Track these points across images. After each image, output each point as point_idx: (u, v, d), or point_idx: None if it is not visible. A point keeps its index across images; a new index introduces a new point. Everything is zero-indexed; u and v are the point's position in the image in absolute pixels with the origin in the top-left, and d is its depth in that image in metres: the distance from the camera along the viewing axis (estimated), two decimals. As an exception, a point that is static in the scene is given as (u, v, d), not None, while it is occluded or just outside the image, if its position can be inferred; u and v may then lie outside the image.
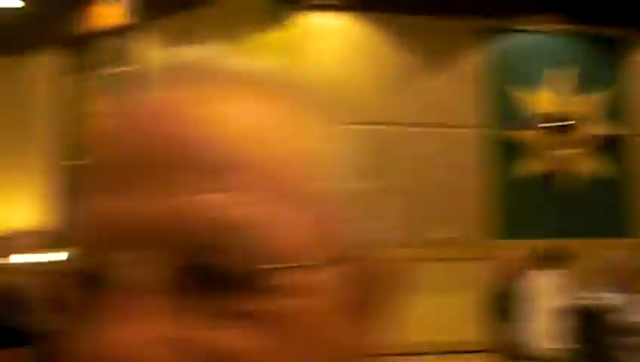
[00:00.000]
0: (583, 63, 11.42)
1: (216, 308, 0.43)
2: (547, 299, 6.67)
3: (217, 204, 0.44)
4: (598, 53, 11.61)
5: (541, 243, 7.85)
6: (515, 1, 10.68)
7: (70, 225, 0.49)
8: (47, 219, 10.58)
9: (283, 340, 0.44)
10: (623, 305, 4.94)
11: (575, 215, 10.75)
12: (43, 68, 11.22)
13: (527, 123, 11.21)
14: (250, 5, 9.17)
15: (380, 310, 0.51)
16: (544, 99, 11.35)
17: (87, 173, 0.51)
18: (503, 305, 6.96)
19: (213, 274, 0.43)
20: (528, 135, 11.19)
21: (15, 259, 4.10)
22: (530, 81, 11.29)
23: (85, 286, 0.46)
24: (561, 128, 11.23)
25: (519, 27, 11.19)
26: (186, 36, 9.74)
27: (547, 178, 11.17)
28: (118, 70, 10.63)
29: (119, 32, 10.52)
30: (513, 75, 11.18)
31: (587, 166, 11.27)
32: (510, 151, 11.03)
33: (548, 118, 11.33)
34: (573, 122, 11.28)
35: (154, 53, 10.02)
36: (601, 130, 11.35)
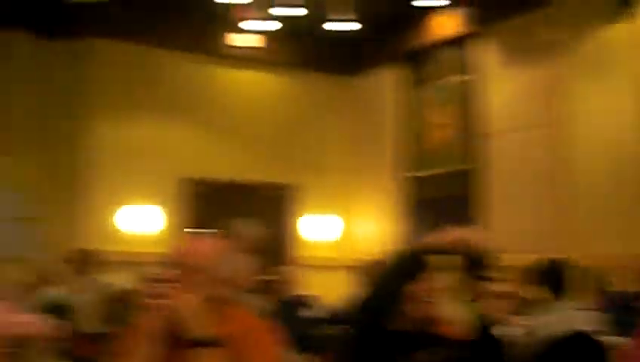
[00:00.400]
0: None
1: None
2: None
3: None
4: None
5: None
6: None
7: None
8: (394, 230, 11.03)
9: None
10: None
11: None
12: (385, 83, 11.67)
13: None
14: (594, 0, 8.43)
15: None
16: None
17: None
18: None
19: None
20: None
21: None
22: None
23: None
24: None
25: None
26: (524, 38, 9.33)
27: None
28: (457, 80, 10.62)
29: (457, 41, 10.48)
30: None
31: None
32: None
33: None
34: None
35: (491, 59, 9.75)
36: None
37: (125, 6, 10.24)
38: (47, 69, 10.64)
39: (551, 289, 4.62)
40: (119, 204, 10.45)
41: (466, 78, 10.38)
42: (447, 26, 10.54)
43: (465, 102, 10.39)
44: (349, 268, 8.08)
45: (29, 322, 2.10)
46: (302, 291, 7.28)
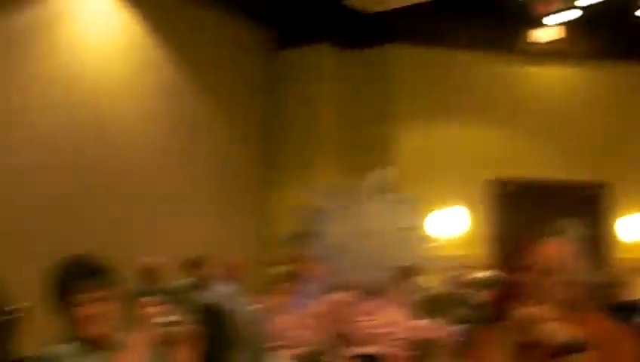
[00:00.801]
0: None
1: None
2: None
3: None
4: None
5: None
6: None
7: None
8: None
9: None
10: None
11: None
12: None
13: None
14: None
15: None
16: None
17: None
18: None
19: None
20: None
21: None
22: None
23: None
24: None
25: None
26: None
27: None
28: None
29: None
30: None
31: None
32: None
33: None
34: None
35: None
36: None
37: (425, 11, 10.44)
38: (352, 80, 11.24)
39: None
40: (426, 206, 10.63)
41: None
42: None
43: None
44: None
45: (430, 327, 2.19)
46: (631, 295, 6.76)
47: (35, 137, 8.37)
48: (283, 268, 8.28)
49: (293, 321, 1.93)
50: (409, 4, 10.11)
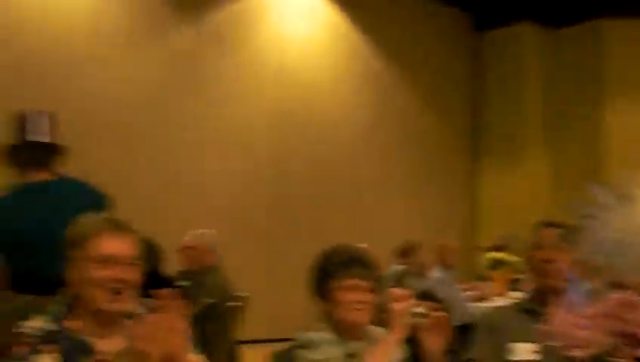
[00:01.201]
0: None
1: None
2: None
3: None
4: None
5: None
6: None
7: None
8: None
9: None
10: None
11: None
12: None
13: None
14: None
15: None
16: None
17: None
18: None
19: None
20: None
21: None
22: None
23: None
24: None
25: None
26: None
27: None
28: None
29: None
30: None
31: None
32: None
33: None
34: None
35: None
36: None
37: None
38: (558, 59, 10.72)
39: None
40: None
41: None
42: None
43: None
44: None
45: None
46: None
47: (244, 127, 8.88)
48: (497, 256, 8.10)
49: (571, 321, 1.85)
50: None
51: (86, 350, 1.82)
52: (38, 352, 1.77)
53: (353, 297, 2.24)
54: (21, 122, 3.29)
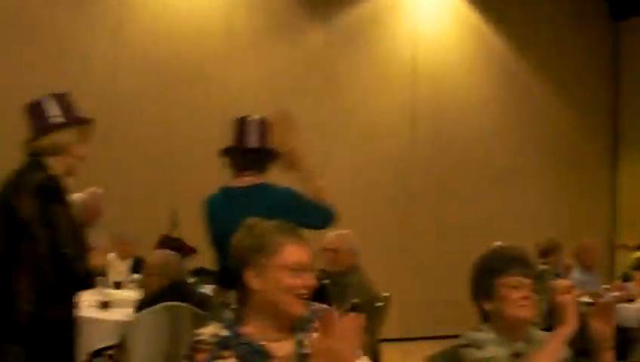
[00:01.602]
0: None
1: None
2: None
3: None
4: None
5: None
6: None
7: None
8: None
9: None
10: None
11: None
12: None
13: None
14: None
15: None
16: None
17: None
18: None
19: None
20: None
21: None
22: None
23: None
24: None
25: None
26: None
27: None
28: None
29: None
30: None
31: None
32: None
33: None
34: None
35: None
36: None
37: None
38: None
39: None
40: None
41: None
42: None
43: None
44: None
45: None
46: None
47: (377, 125, 8.92)
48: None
49: None
50: None
51: (263, 354, 1.89)
52: (217, 358, 1.84)
53: (518, 294, 2.30)
54: (240, 127, 3.47)
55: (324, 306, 2.10)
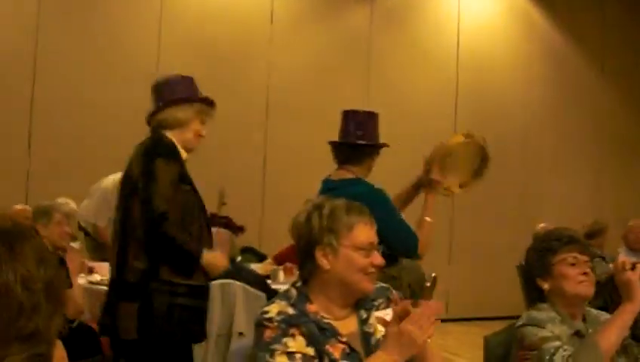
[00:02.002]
0: None
1: None
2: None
3: None
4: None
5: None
6: None
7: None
8: None
9: None
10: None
11: None
12: None
13: None
14: None
15: None
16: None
17: None
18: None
19: None
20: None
21: None
22: None
23: None
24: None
25: None
26: None
27: None
28: None
29: None
30: None
31: None
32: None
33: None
34: None
35: None
36: None
37: None
38: None
39: None
40: None
41: None
42: None
43: None
44: None
45: None
46: None
47: (418, 110, 8.88)
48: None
49: None
50: None
51: (330, 331, 1.94)
52: (285, 336, 1.88)
53: (576, 270, 2.33)
54: (342, 120, 3.52)
55: (385, 285, 2.15)
